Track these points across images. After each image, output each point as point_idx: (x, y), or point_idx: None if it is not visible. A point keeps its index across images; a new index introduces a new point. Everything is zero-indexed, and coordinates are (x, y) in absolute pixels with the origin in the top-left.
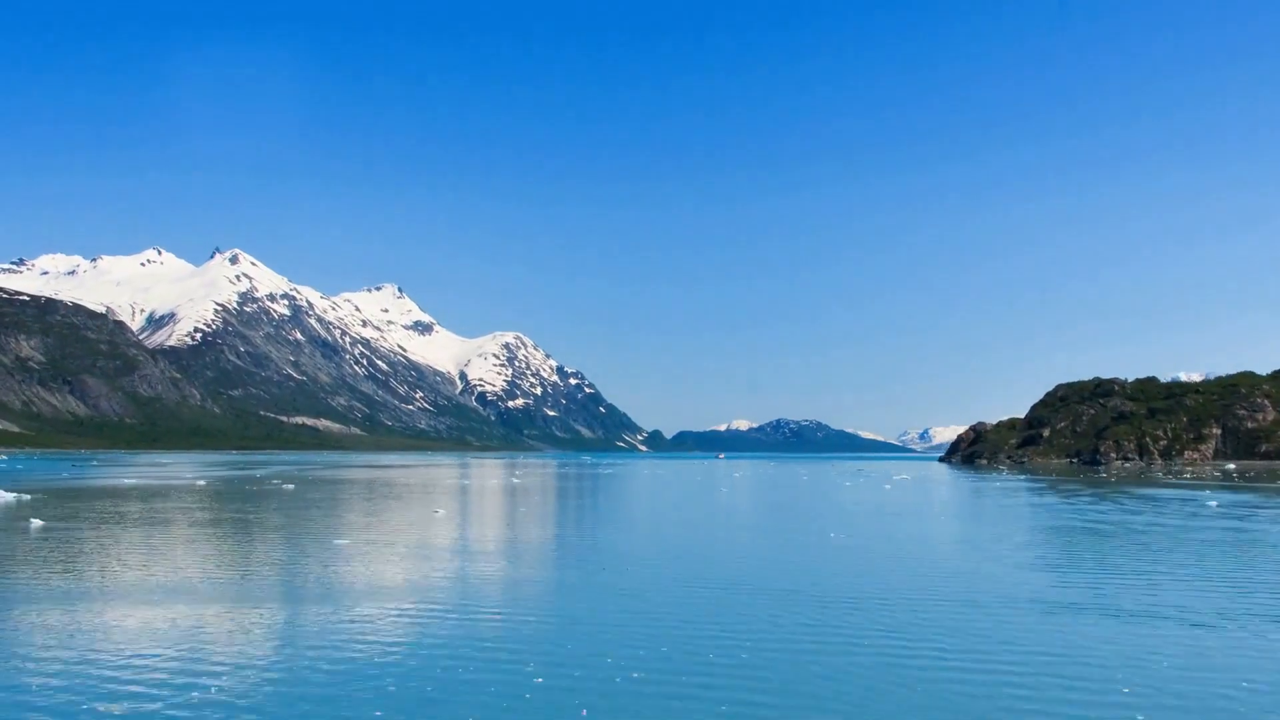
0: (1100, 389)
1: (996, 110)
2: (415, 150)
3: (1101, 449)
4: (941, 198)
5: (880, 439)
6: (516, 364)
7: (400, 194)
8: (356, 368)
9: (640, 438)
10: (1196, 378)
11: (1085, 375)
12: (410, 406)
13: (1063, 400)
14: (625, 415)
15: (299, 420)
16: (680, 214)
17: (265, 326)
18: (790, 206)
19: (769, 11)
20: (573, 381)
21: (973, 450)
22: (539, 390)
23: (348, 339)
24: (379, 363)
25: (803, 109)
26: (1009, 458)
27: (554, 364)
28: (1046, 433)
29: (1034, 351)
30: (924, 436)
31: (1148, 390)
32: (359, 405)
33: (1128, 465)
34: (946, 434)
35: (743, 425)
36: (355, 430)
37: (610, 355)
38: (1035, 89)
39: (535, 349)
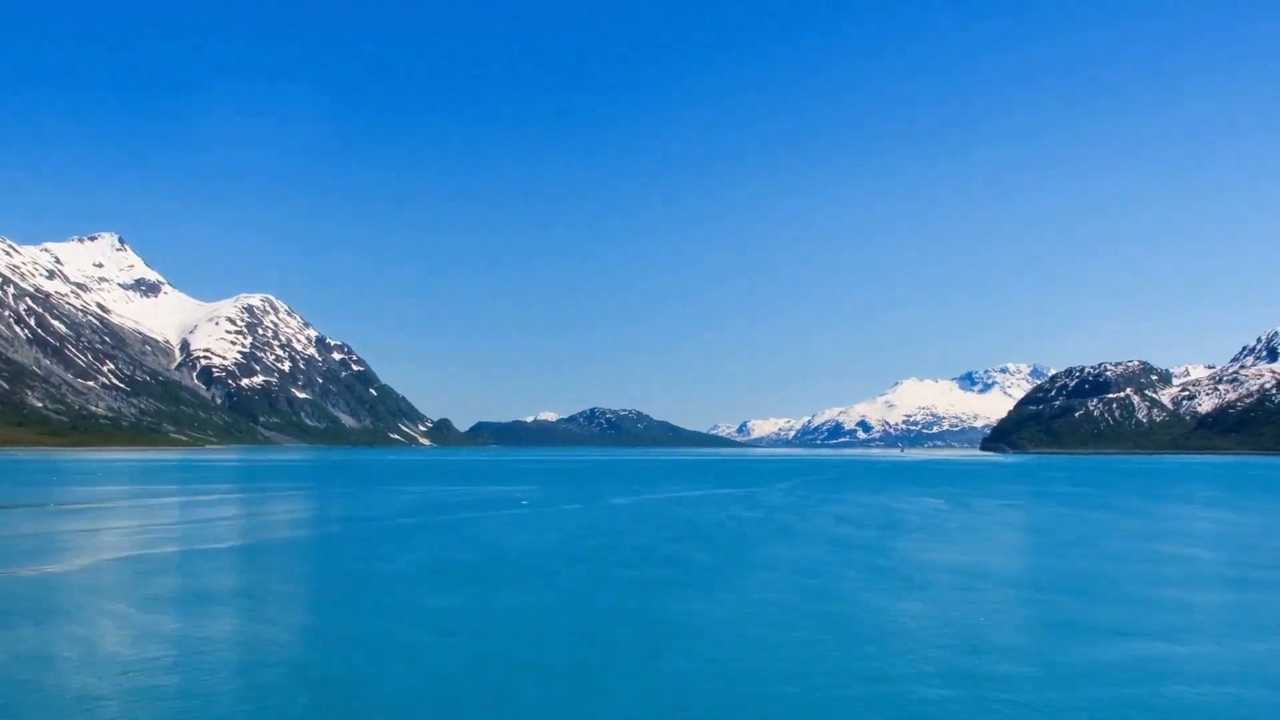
0: None
1: (825, 101)
2: (155, 80)
3: None
4: (758, 193)
5: (695, 431)
6: (260, 332)
7: (131, 129)
8: (18, 329)
9: (423, 429)
10: None
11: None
12: (89, 382)
13: None
14: (404, 400)
15: None
16: (483, 183)
17: None
18: (601, 189)
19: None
20: (336, 356)
21: None
22: (287, 365)
23: (10, 290)
24: (55, 324)
25: (627, 91)
26: None
27: (313, 334)
28: None
29: (861, 347)
30: (742, 430)
31: None
32: None
33: None
34: (766, 427)
35: (551, 416)
36: None
37: (390, 329)
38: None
39: (290, 314)
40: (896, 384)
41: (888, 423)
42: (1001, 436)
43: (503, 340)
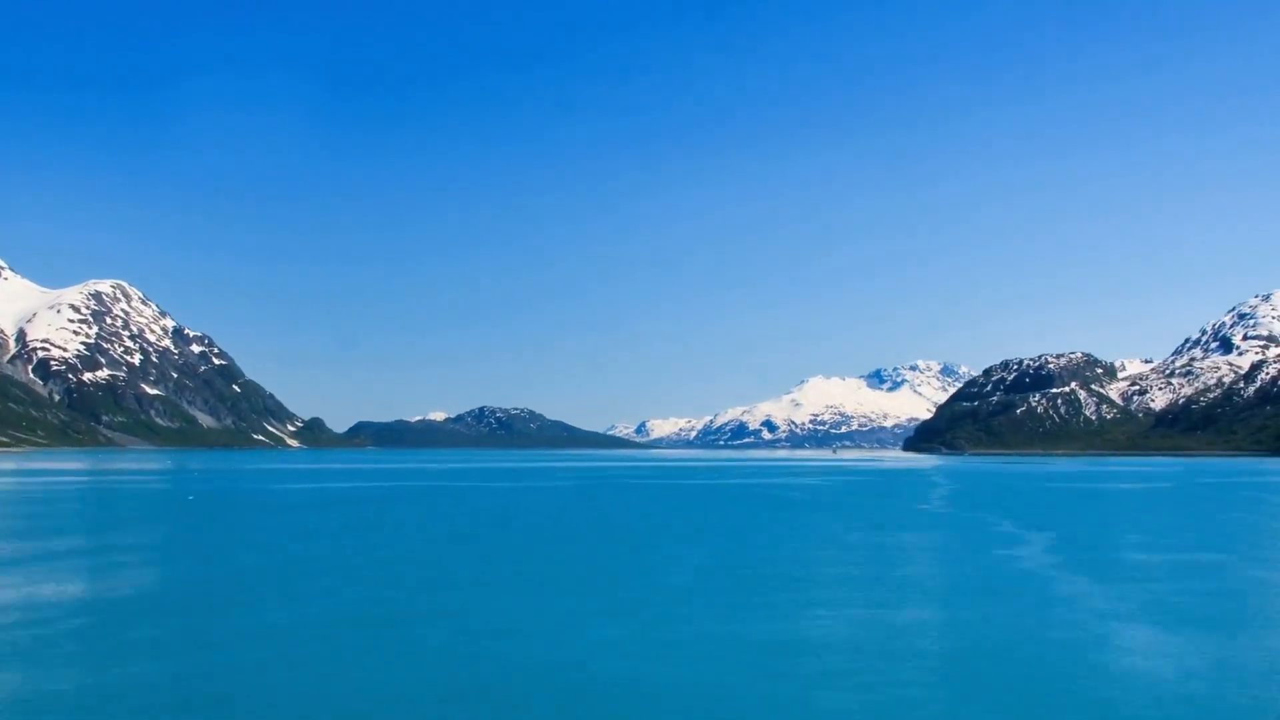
0: None
1: (725, 87)
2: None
3: None
4: (654, 183)
5: (592, 431)
6: (108, 321)
7: None
8: None
9: (292, 429)
10: None
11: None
12: None
13: None
14: (271, 397)
15: None
16: (363, 172)
17: None
18: (488, 178)
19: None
20: (196, 349)
21: None
22: (137, 358)
23: None
24: None
25: (528, 88)
26: None
27: (170, 324)
28: None
29: (765, 344)
30: (641, 430)
31: None
32: None
33: None
34: (666, 427)
35: (438, 416)
36: None
37: (261, 321)
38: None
39: (145, 302)
40: (802, 382)
41: (794, 422)
42: (932, 435)
43: (386, 335)
